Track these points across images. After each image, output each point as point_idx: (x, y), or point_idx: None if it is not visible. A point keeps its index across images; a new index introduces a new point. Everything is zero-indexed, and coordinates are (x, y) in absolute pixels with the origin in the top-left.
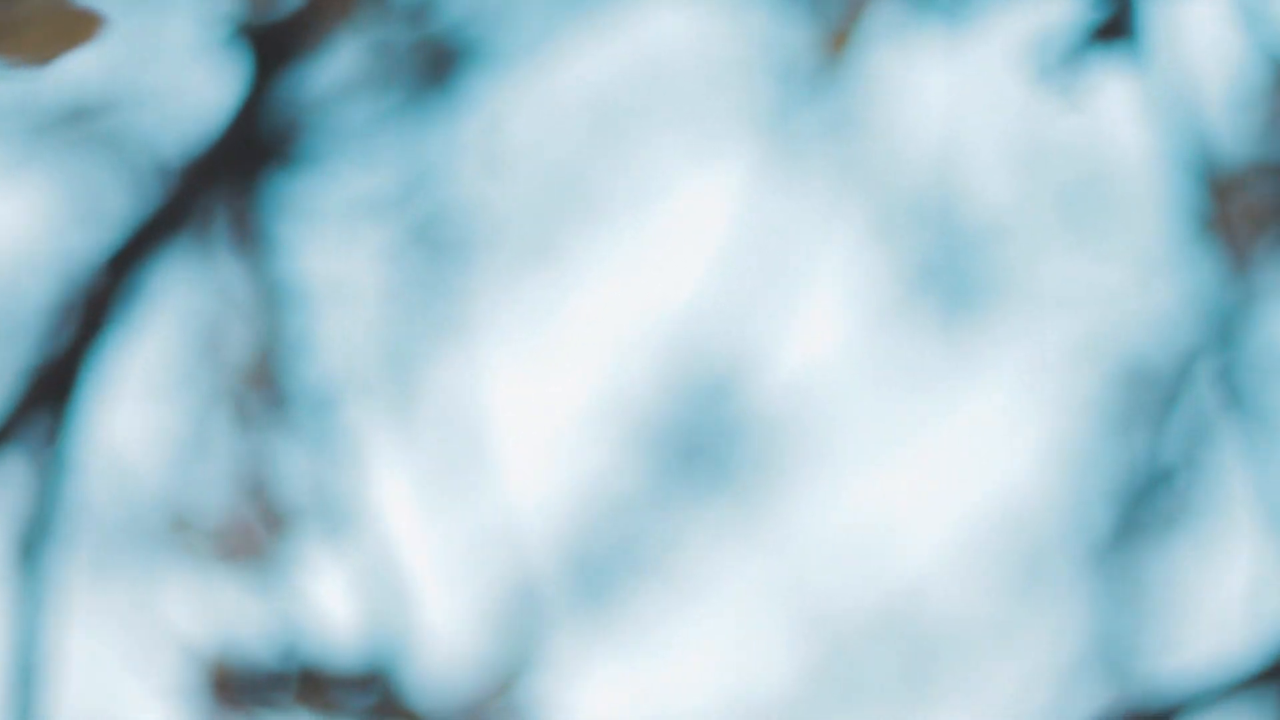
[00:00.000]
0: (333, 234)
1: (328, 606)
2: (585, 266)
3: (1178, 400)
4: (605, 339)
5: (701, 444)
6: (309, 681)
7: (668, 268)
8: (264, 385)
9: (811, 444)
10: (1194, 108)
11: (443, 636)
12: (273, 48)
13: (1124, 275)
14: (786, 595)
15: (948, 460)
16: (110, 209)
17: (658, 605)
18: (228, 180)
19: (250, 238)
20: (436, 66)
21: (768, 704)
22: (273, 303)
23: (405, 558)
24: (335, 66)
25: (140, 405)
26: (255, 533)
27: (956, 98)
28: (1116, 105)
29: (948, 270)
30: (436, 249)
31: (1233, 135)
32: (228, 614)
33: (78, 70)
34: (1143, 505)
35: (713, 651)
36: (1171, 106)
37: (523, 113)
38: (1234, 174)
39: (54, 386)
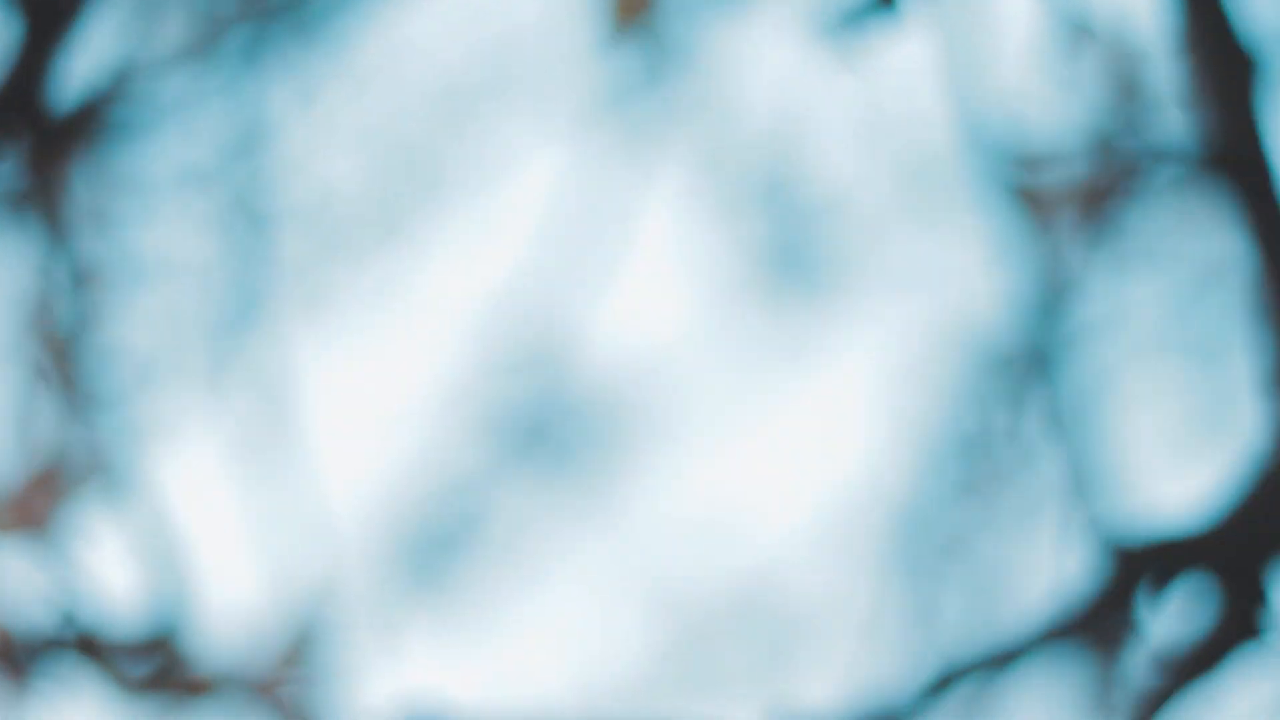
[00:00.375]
0: (149, 204)
1: (113, 575)
2: (426, 244)
3: (1008, 375)
4: (447, 317)
5: (545, 424)
6: (91, 649)
7: (510, 246)
8: (61, 355)
9: (659, 424)
10: (995, 77)
11: (236, 607)
12: (46, 10)
13: (962, 252)
14: (637, 577)
15: (796, 439)
16: None
17: (502, 586)
18: (12, 144)
19: (50, 205)
20: (262, 32)
21: (620, 686)
22: (76, 272)
23: (197, 527)
24: (150, 33)
25: None
26: (40, 500)
27: (798, 73)
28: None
29: (792, 248)
30: (257, 221)
31: (1039, 106)
32: (10, 582)
33: None
34: (974, 475)
35: (563, 633)
36: (970, 76)
37: (362, 87)
38: (1043, 147)
39: None
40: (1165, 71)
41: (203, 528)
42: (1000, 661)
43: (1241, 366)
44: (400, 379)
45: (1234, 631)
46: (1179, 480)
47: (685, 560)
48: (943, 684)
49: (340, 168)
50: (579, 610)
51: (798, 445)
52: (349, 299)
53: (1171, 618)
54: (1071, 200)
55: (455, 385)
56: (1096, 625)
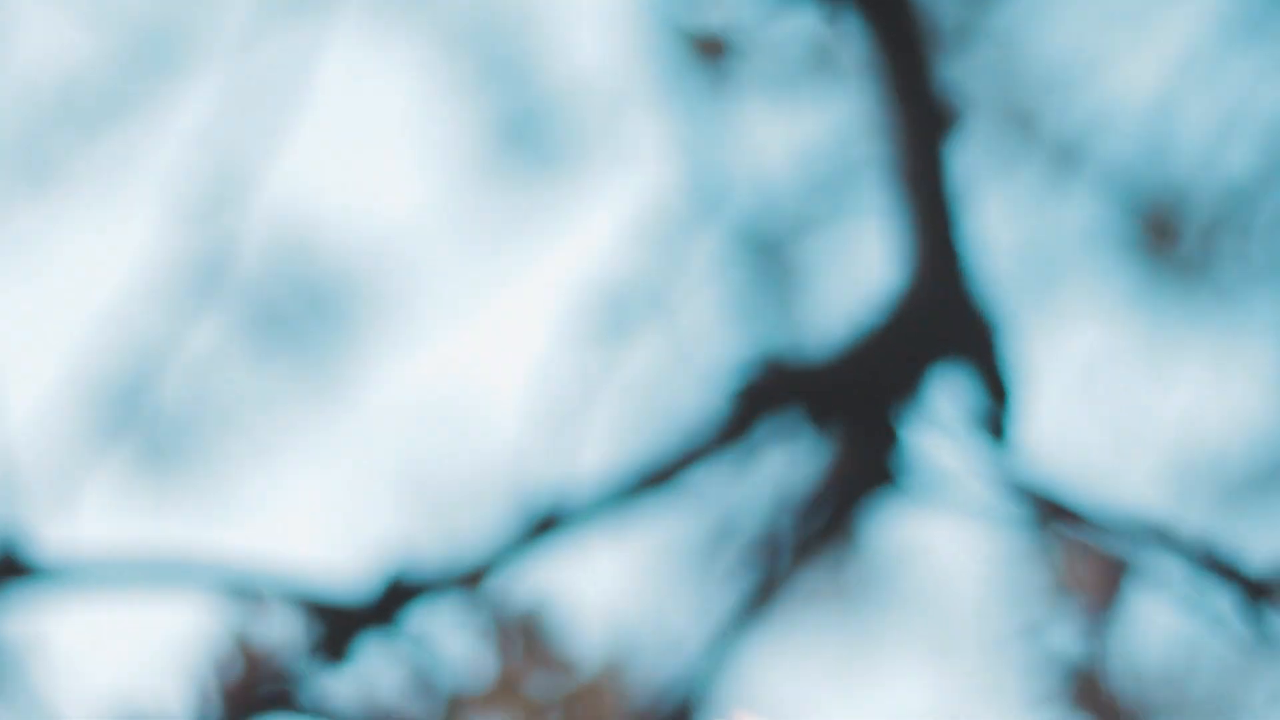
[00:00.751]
0: None
1: None
2: (164, 122)
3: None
4: (181, 195)
5: (282, 303)
6: None
7: (254, 125)
8: None
9: (395, 303)
10: None
11: None
12: None
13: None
14: (377, 454)
15: (528, 318)
16: None
17: (236, 461)
18: None
19: None
20: None
21: (357, 558)
22: None
23: None
24: None
25: None
26: None
27: None
28: None
29: (524, 126)
30: None
31: None
32: None
33: None
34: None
35: (303, 509)
36: None
37: None
38: None
39: None
40: None
41: None
42: (610, 502)
43: (883, 209)
44: (124, 250)
45: (865, 473)
46: (818, 322)
47: (423, 436)
48: (542, 525)
49: (69, 42)
50: (320, 484)
51: (524, 321)
52: (74, 170)
53: (799, 457)
54: (731, 49)
55: (179, 258)
56: (717, 458)
